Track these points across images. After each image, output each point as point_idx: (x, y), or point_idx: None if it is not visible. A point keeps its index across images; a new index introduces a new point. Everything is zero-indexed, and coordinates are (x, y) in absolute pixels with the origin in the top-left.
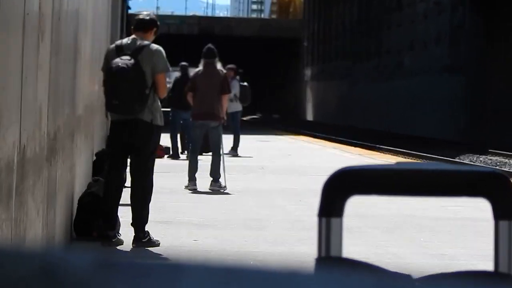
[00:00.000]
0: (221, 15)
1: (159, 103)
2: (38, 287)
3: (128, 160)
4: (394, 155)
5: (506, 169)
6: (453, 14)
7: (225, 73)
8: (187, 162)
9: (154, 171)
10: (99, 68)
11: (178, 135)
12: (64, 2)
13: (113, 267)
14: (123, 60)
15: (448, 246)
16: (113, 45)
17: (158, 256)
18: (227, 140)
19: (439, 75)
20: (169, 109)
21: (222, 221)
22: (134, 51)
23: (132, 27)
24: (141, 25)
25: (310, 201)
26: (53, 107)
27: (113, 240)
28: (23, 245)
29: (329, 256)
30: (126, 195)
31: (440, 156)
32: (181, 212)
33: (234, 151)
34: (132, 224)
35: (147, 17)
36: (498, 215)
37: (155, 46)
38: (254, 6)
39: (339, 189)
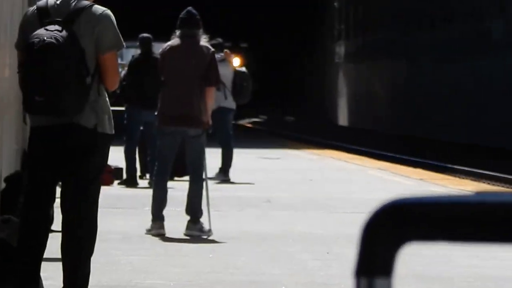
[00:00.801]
0: None
1: (107, 99)
2: None
3: (58, 189)
4: (475, 180)
5: None
6: None
7: (213, 51)
8: (150, 191)
9: (99, 205)
10: (12, 44)
11: (137, 149)
12: None
13: None
14: (50, 32)
15: None
16: (33, 8)
17: None
18: (213, 157)
19: None
20: (122, 108)
21: (205, 286)
22: (67, 17)
23: None
24: None
25: (344, 253)
26: None
27: None
28: None
29: None
30: (53, 244)
31: None
32: (142, 272)
33: (223, 174)
34: None
35: None
36: None
37: (100, 8)
38: None
39: (387, 233)
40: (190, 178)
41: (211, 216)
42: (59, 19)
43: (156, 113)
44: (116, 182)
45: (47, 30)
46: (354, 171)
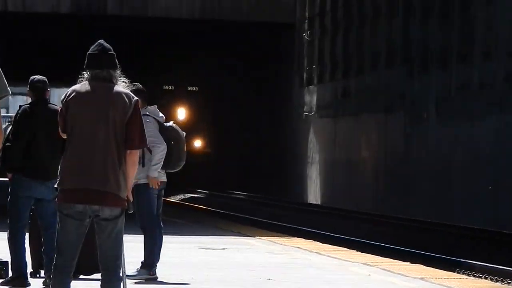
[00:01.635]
0: None
1: None
2: None
3: None
4: (496, 279)
5: None
6: None
7: (136, 100)
8: None
9: None
10: None
11: (27, 236)
12: None
13: None
14: None
15: None
16: None
17: None
18: (133, 248)
19: None
20: (5, 179)
21: None
22: None
23: None
24: None
25: None
26: None
27: None
28: None
29: None
30: None
31: None
32: None
33: (147, 270)
34: None
35: None
36: None
37: None
38: None
39: None
40: (102, 276)
41: None
42: None
43: (54, 186)
44: (0, 280)
45: None
46: (330, 268)
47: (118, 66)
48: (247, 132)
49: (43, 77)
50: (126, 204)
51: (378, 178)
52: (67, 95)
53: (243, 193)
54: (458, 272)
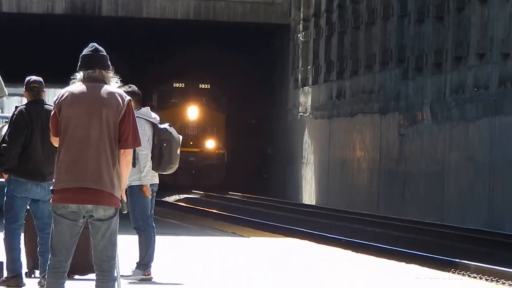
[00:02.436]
0: None
1: None
2: None
3: None
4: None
5: None
6: None
7: (129, 100)
8: None
9: None
10: None
11: (22, 236)
12: None
13: None
14: None
15: None
16: None
17: None
18: (128, 248)
19: None
20: (2, 180)
21: None
22: None
23: None
24: None
25: None
26: None
27: None
28: None
29: None
30: None
31: None
32: None
33: (142, 270)
34: None
35: None
36: None
37: None
38: None
39: None
40: (97, 276)
41: None
42: None
43: (50, 189)
44: None
45: None
46: (324, 268)
47: (110, 67)
48: (245, 133)
49: (39, 77)
50: (120, 204)
51: (373, 179)
52: (60, 97)
53: (238, 193)
54: (453, 273)
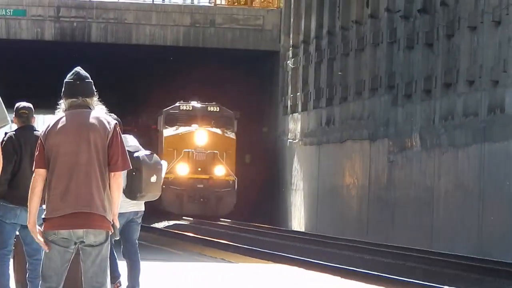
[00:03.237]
0: None
1: None
2: None
3: None
4: None
5: None
6: None
7: (116, 124)
8: None
9: None
10: None
11: (11, 262)
12: None
13: None
14: None
15: None
16: None
17: None
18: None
19: None
20: None
21: None
22: None
23: None
24: None
25: None
26: None
27: None
28: None
29: None
30: None
31: None
32: None
33: None
34: None
35: None
36: None
37: None
38: None
39: None
40: None
41: None
42: None
43: (42, 217)
44: None
45: None
46: None
47: (94, 92)
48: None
49: (28, 103)
50: (112, 228)
51: (362, 205)
52: (46, 129)
53: (227, 220)
54: None
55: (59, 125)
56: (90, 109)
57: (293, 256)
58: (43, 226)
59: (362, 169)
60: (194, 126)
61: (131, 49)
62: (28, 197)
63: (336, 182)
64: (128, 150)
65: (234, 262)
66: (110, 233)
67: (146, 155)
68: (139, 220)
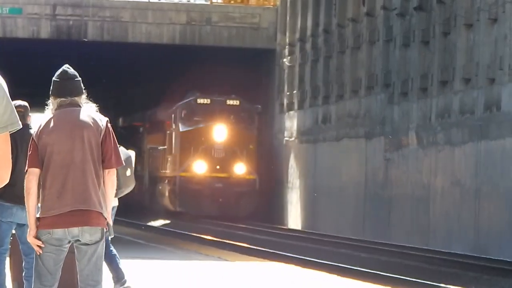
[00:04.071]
0: None
1: None
2: None
3: None
4: None
5: None
6: None
7: (107, 121)
8: None
9: None
10: None
11: (7, 261)
12: None
13: None
14: None
15: None
16: None
17: None
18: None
19: None
20: None
21: None
22: None
23: None
24: None
25: None
26: None
27: None
28: None
29: None
30: None
31: None
32: None
33: (120, 284)
34: None
35: None
36: None
37: None
38: None
39: None
40: None
41: None
42: None
43: (37, 216)
44: None
45: None
46: None
47: (83, 91)
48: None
49: (24, 102)
50: (107, 226)
51: (359, 203)
52: (38, 128)
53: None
54: None
55: (52, 124)
56: (80, 107)
57: (289, 255)
58: (38, 225)
59: (359, 167)
60: (212, 121)
61: (127, 47)
62: (25, 199)
63: (332, 180)
64: None
65: (230, 261)
66: (105, 231)
67: (128, 150)
68: (114, 215)
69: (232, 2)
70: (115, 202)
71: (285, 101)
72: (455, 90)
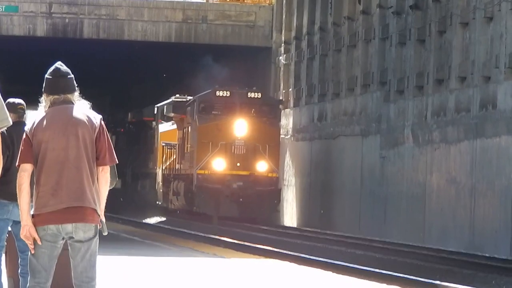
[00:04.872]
0: None
1: None
2: None
3: None
4: None
5: None
6: None
7: (101, 118)
8: None
9: None
10: None
11: (3, 258)
12: None
13: None
14: None
15: None
16: None
17: None
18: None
19: None
20: None
21: None
22: None
23: None
24: None
25: None
26: None
27: None
28: None
29: None
30: None
31: None
32: None
33: None
34: None
35: None
36: None
37: None
38: None
39: None
40: None
41: None
42: None
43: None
44: None
45: None
46: None
47: (76, 88)
48: None
49: (20, 100)
50: (100, 223)
51: (354, 201)
52: (32, 125)
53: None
54: None
55: (46, 121)
56: (73, 104)
57: (285, 251)
58: (32, 222)
59: (354, 165)
60: (232, 115)
61: (123, 45)
62: (18, 195)
63: (328, 177)
64: None
65: (226, 257)
66: (99, 228)
67: None
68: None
69: (228, 0)
70: None
71: (281, 99)
72: (450, 88)
